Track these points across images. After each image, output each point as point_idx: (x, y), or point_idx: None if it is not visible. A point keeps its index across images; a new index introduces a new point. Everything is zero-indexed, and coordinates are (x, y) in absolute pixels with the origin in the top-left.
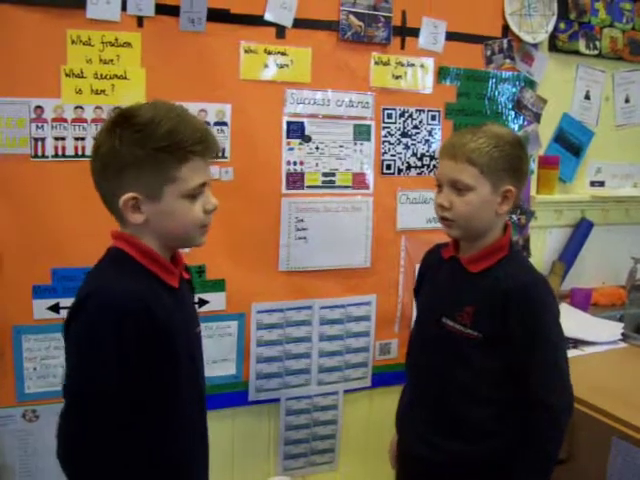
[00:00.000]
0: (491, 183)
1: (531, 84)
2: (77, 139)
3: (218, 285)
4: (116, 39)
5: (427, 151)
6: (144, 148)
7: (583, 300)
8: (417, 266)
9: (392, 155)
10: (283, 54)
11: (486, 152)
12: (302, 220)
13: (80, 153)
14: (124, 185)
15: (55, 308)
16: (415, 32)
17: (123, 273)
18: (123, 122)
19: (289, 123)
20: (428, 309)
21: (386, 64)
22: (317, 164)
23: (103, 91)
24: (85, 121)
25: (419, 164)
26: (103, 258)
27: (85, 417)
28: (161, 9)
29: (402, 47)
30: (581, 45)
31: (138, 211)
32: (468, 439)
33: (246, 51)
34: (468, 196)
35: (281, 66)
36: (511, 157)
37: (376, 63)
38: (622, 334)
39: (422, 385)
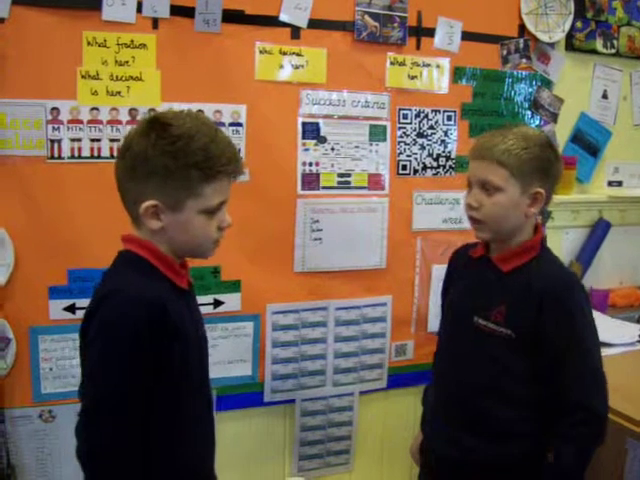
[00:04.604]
0: (520, 185)
1: (548, 84)
2: (93, 140)
3: (234, 286)
4: (132, 41)
5: (443, 152)
6: (176, 161)
7: (600, 301)
8: (433, 267)
9: (408, 156)
10: (298, 55)
11: (516, 154)
12: (317, 221)
13: (96, 154)
14: (148, 191)
15: (71, 309)
16: (431, 32)
17: (138, 274)
18: (159, 130)
19: (304, 124)
20: (459, 308)
21: (402, 64)
22: (332, 165)
23: (119, 92)
24: (101, 122)
25: (435, 165)
26: (116, 261)
27: (107, 419)
28: (176, 10)
29: (418, 47)
30: (598, 44)
31: (156, 218)
32: (497, 439)
33: (261, 52)
34: (497, 197)
35: (296, 67)
36: (540, 159)
37: (392, 63)
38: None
39: (452, 385)
